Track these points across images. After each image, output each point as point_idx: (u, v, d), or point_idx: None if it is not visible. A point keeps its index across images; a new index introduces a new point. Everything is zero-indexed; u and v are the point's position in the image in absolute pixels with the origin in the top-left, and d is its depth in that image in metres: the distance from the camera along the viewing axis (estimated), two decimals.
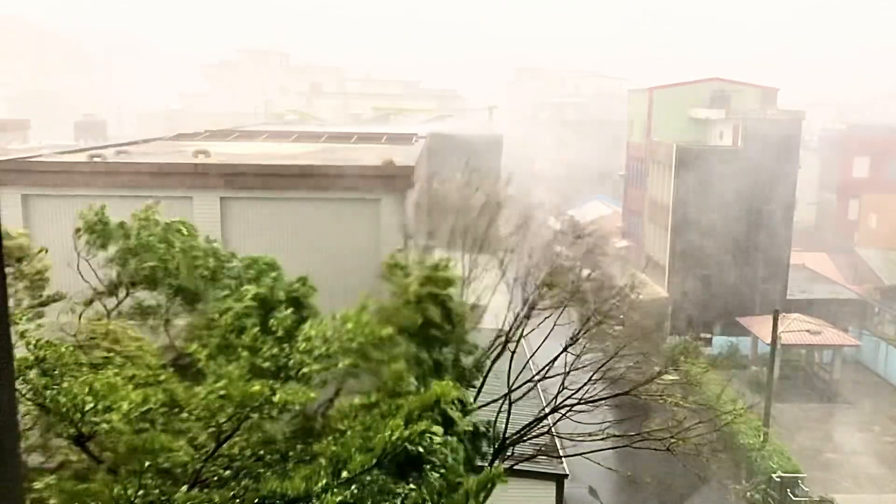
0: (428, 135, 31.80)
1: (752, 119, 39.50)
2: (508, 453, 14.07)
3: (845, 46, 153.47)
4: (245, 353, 9.13)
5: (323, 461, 7.96)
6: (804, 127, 41.61)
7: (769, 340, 27.67)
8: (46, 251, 11.94)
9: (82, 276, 12.28)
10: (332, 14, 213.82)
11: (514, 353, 14.29)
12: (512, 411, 14.10)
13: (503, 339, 14.13)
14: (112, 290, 11.96)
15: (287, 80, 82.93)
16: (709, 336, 37.58)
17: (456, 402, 8.71)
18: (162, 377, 8.95)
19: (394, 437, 7.71)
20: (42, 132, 47.47)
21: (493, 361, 13.69)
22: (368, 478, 7.74)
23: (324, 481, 7.57)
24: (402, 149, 23.55)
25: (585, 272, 15.45)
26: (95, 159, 17.93)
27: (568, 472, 17.67)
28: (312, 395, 8.60)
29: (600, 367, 14.78)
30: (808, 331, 33.67)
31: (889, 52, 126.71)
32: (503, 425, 13.73)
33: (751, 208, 39.26)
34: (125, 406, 7.62)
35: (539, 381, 15.38)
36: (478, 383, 12.87)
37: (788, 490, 23.93)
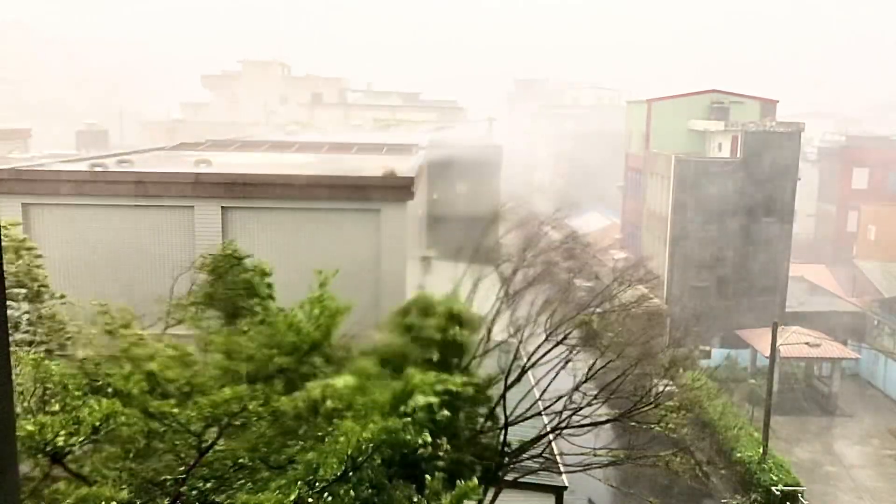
0: (428, 146, 31.88)
1: (751, 131, 39.64)
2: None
3: (844, 56, 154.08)
4: (219, 357, 9.14)
5: (299, 469, 7.86)
6: (803, 139, 41.73)
7: (768, 353, 27.66)
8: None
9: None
10: (333, 25, 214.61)
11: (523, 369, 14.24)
12: (513, 425, 14.07)
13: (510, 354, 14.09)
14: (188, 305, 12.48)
15: (288, 91, 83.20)
16: (707, 348, 37.55)
17: (435, 387, 8.57)
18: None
19: (353, 442, 7.58)
20: (43, 141, 47.56)
21: (507, 383, 13.63)
22: (342, 489, 7.63)
23: (296, 493, 7.46)
24: (403, 159, 23.61)
25: (584, 283, 15.47)
26: (97, 168, 17.99)
27: (567, 484, 17.63)
28: (288, 405, 8.54)
29: (602, 388, 14.75)
30: (806, 343, 33.62)
31: (888, 62, 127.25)
32: (506, 439, 13.68)
33: (750, 220, 39.33)
34: (87, 426, 7.56)
35: (539, 398, 15.32)
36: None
37: (788, 503, 23.87)
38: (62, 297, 11.96)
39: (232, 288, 12.26)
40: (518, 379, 13.93)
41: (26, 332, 10.44)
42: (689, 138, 44.18)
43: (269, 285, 12.87)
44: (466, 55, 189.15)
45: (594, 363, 14.74)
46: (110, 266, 16.56)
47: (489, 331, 13.14)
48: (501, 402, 13.40)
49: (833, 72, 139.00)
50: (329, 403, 8.62)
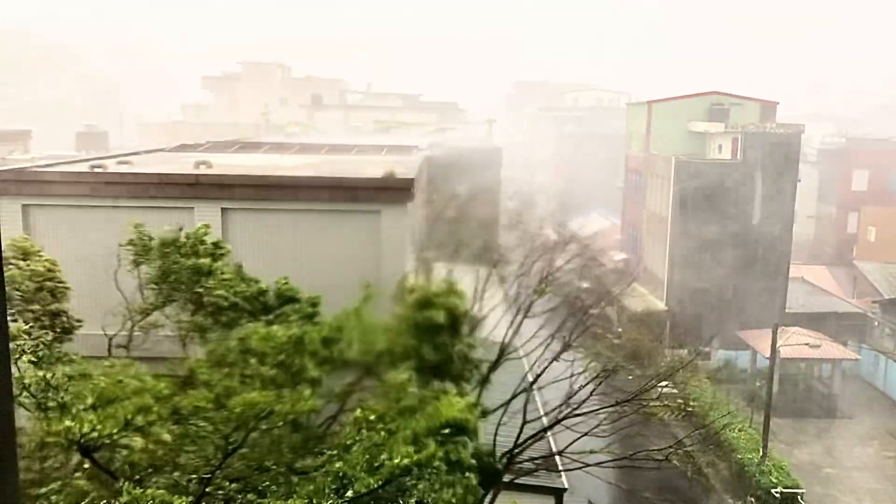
0: (428, 147, 31.89)
1: (751, 132, 39.66)
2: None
3: (844, 57, 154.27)
4: (252, 360, 9.09)
5: (328, 478, 7.87)
6: (803, 140, 41.75)
7: (768, 354, 27.65)
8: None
9: (117, 286, 12.62)
10: (333, 26, 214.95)
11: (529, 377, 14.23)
12: (512, 425, 14.07)
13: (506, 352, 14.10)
14: (145, 305, 12.28)
15: (288, 93, 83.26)
16: (707, 350, 37.53)
17: (465, 421, 8.53)
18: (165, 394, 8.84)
19: (402, 463, 7.61)
20: (44, 142, 47.60)
21: (489, 372, 13.65)
22: (372, 501, 7.65)
23: (330, 502, 7.49)
24: (403, 161, 23.61)
25: (584, 284, 15.48)
26: (97, 170, 17.98)
27: (567, 486, 17.60)
28: (312, 402, 8.53)
29: (600, 382, 14.77)
30: (807, 344, 33.63)
31: (888, 64, 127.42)
32: (505, 438, 13.68)
33: (749, 221, 39.36)
34: (121, 415, 7.57)
35: (533, 386, 15.33)
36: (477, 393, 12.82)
37: None
38: (79, 321, 11.98)
39: (170, 256, 12.04)
40: (496, 367, 13.94)
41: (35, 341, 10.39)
42: (689, 140, 44.20)
43: (202, 241, 12.67)
44: (466, 57, 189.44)
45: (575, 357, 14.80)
46: (110, 267, 16.54)
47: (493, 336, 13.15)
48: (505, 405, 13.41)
49: (833, 73, 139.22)
50: (360, 413, 8.63)
